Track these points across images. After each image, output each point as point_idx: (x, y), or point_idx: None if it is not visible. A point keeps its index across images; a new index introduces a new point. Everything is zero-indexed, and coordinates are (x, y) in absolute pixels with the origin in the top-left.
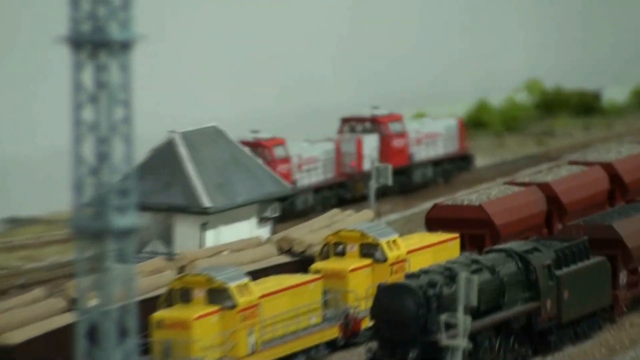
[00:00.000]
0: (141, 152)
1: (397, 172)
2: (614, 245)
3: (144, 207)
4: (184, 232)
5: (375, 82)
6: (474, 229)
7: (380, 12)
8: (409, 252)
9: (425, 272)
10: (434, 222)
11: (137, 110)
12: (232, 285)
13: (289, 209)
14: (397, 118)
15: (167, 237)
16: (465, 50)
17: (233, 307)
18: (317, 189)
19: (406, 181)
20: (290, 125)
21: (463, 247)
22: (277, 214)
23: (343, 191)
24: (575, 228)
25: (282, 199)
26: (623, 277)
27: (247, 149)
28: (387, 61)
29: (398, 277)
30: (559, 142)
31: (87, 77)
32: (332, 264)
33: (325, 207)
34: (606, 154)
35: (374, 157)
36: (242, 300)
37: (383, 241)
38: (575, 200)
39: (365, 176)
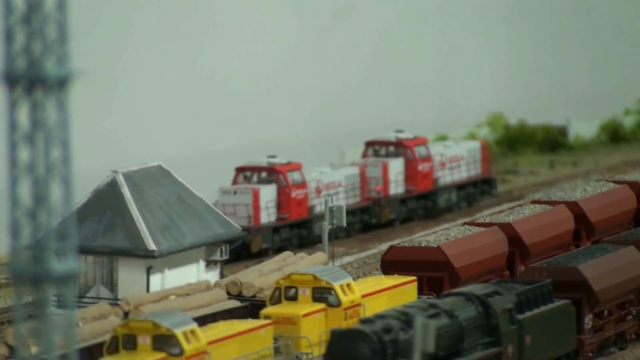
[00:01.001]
0: (82, 193)
1: (422, 197)
2: (579, 287)
3: (86, 251)
4: (129, 276)
5: (325, 115)
6: (432, 272)
7: (333, 43)
8: (364, 296)
9: (380, 317)
10: (390, 264)
11: (78, 148)
12: (178, 331)
13: (306, 235)
14: (422, 142)
15: (111, 282)
16: (427, 83)
17: (180, 354)
18: None
19: (431, 206)
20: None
21: (421, 291)
22: (226, 257)
23: (367, 216)
24: (538, 270)
25: (231, 242)
26: (588, 321)
27: (192, 191)
28: (341, 94)
29: (352, 323)
30: (523, 180)
31: (23, 115)
32: (283, 309)
33: (348, 232)
34: (572, 193)
35: (399, 181)
36: (189, 347)
37: (337, 285)
38: (538, 241)
39: (392, 201)
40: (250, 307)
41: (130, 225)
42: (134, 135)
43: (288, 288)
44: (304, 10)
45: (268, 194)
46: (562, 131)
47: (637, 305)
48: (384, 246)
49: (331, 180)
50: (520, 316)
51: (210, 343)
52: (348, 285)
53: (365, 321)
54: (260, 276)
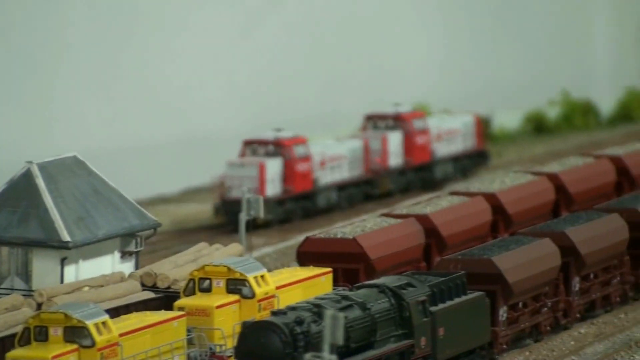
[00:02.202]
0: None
1: (420, 169)
2: (494, 280)
3: (0, 242)
4: (43, 267)
5: (255, 105)
6: (348, 263)
7: (263, 33)
8: (278, 287)
9: (292, 308)
10: (307, 255)
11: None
12: (90, 322)
13: (310, 207)
14: (420, 115)
15: (25, 273)
16: (353, 73)
17: (91, 345)
18: (341, 186)
19: (429, 177)
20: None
21: (336, 282)
22: (141, 248)
23: (369, 188)
24: (453, 262)
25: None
26: (503, 313)
27: (107, 182)
28: (272, 84)
29: (266, 314)
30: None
31: None
32: (197, 301)
33: (351, 203)
34: (490, 184)
35: (398, 153)
36: (100, 338)
37: (251, 276)
38: (455, 233)
39: (391, 173)
40: (165, 299)
41: (45, 216)
42: (54, 126)
43: (202, 279)
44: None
45: (274, 166)
46: (487, 122)
47: (552, 297)
48: (304, 237)
49: (335, 153)
50: (433, 308)
51: (122, 335)
52: (262, 276)
53: (276, 313)
54: (174, 267)
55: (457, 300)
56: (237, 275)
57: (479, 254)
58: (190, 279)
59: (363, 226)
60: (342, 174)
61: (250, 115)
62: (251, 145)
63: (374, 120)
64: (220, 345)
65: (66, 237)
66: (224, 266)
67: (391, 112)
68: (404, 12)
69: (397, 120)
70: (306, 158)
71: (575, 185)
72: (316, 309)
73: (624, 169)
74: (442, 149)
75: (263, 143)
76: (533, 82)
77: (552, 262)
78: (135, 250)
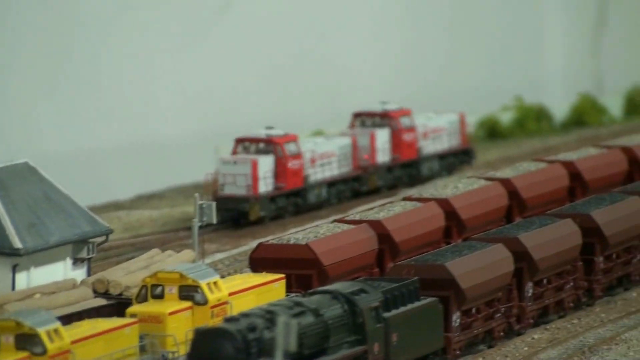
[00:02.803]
0: None
1: (407, 165)
2: (447, 285)
3: None
4: None
5: (201, 112)
6: (301, 269)
7: (212, 40)
8: (231, 294)
9: (245, 315)
10: (260, 262)
11: None
12: (41, 330)
13: (301, 203)
14: (406, 113)
15: None
16: (310, 77)
17: (43, 353)
18: (331, 183)
19: (415, 174)
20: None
21: (290, 288)
22: (93, 255)
23: (358, 184)
24: (406, 268)
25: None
26: (456, 318)
27: (59, 188)
28: (220, 90)
29: (219, 321)
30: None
31: None
32: (149, 307)
33: (340, 199)
34: (443, 190)
35: (385, 150)
36: (52, 346)
37: (203, 283)
38: (408, 239)
39: (379, 169)
40: (117, 306)
41: None
42: (4, 131)
43: (155, 286)
44: (186, 6)
45: (266, 164)
46: None
47: (505, 303)
48: (257, 243)
49: (325, 151)
50: (386, 314)
51: (74, 342)
52: (215, 283)
53: (229, 320)
54: (127, 274)
55: (410, 306)
56: (190, 282)
57: (432, 260)
58: (143, 286)
59: (316, 232)
60: (332, 171)
61: (204, 122)
62: (243, 143)
63: (361, 118)
64: (173, 352)
65: (17, 243)
66: (177, 273)
67: (379, 110)
68: (360, 19)
69: (385, 118)
70: (297, 155)
71: (528, 190)
72: (269, 316)
73: (577, 174)
74: (429, 147)
75: (255, 141)
76: (486, 88)
77: (505, 268)
78: (87, 257)
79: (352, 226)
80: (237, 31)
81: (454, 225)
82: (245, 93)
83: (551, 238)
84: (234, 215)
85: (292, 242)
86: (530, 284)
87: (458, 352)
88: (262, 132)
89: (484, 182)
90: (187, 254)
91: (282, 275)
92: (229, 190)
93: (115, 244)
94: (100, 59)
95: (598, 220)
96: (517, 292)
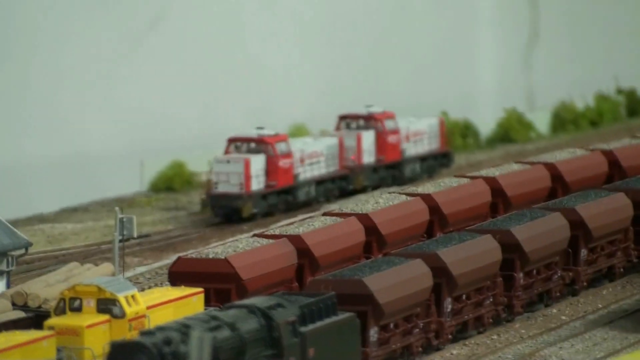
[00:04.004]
0: None
1: (391, 167)
2: (364, 300)
3: None
4: None
5: (136, 125)
6: (220, 283)
7: (145, 52)
8: (149, 307)
9: (161, 329)
10: (179, 276)
11: None
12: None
13: (292, 201)
14: (390, 116)
15: None
16: (234, 93)
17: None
18: (320, 182)
19: (399, 175)
20: None
21: (208, 302)
22: (12, 267)
23: (345, 183)
24: (324, 283)
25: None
26: (374, 333)
27: None
28: (150, 104)
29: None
30: None
31: None
32: (67, 320)
33: (328, 198)
34: (363, 205)
35: (371, 151)
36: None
37: (121, 296)
38: (328, 253)
39: (365, 169)
40: (35, 318)
41: None
42: None
43: (73, 299)
44: (117, 19)
45: (258, 163)
46: None
47: (423, 318)
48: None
49: (313, 150)
50: (303, 329)
51: None
52: (133, 296)
53: (145, 333)
54: (46, 287)
55: (327, 320)
56: (108, 295)
57: (349, 275)
58: (61, 299)
59: (235, 246)
60: (320, 170)
61: (130, 136)
62: (234, 143)
63: (347, 120)
64: None
65: None
66: (95, 286)
67: (364, 113)
68: (289, 32)
69: (370, 120)
70: (288, 155)
71: (449, 206)
72: (185, 329)
73: (499, 190)
74: (411, 149)
75: (247, 140)
76: (414, 103)
77: (424, 283)
78: (6, 269)
79: (271, 241)
80: (167, 45)
81: (374, 241)
82: (174, 107)
83: (471, 254)
84: (227, 212)
85: (211, 256)
86: (449, 300)
87: None
88: (253, 132)
89: (405, 197)
90: (107, 267)
91: (201, 289)
92: (222, 188)
93: (38, 256)
94: (27, 72)
95: (518, 236)
96: (436, 308)
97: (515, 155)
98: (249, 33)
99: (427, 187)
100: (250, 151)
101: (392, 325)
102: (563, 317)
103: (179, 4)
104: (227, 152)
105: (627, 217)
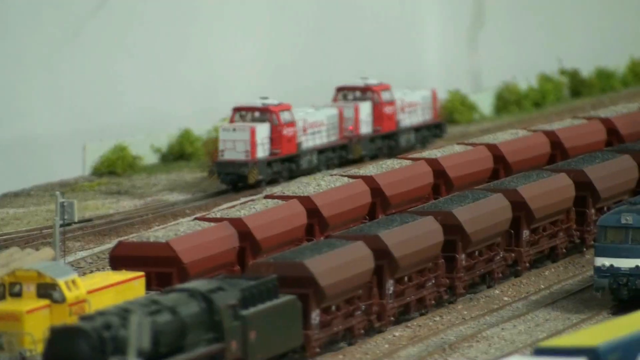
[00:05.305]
0: None
1: (387, 137)
2: (306, 283)
3: None
4: None
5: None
6: (161, 267)
7: (92, 37)
8: (90, 292)
9: (101, 313)
10: (120, 260)
11: None
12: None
13: (295, 169)
14: (386, 87)
15: None
16: (184, 76)
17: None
18: (321, 151)
19: (394, 145)
20: None
21: (150, 286)
22: None
23: (344, 152)
24: (265, 266)
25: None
26: (315, 316)
27: None
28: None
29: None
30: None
31: None
32: (7, 305)
33: (329, 166)
34: (305, 187)
35: (368, 122)
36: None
37: (61, 281)
38: (269, 236)
39: (363, 139)
40: None
41: None
42: None
43: (12, 284)
44: (61, 2)
45: (263, 131)
46: None
47: (365, 300)
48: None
49: (315, 120)
50: (244, 312)
51: None
52: (73, 281)
53: (85, 318)
54: None
55: (268, 303)
56: (48, 280)
57: (291, 258)
58: (1, 284)
59: (176, 230)
60: (322, 139)
61: (72, 120)
62: (240, 112)
63: (344, 92)
64: (31, 350)
65: None
66: (34, 271)
67: (360, 84)
68: (235, 13)
69: (366, 92)
70: (291, 124)
71: (391, 188)
72: (125, 314)
73: (441, 171)
74: (405, 120)
75: (251, 109)
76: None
77: (366, 265)
78: None
79: (213, 224)
80: (111, 30)
81: (316, 223)
82: (116, 91)
83: (412, 235)
84: (233, 178)
85: (152, 240)
86: (391, 282)
87: (318, 350)
88: (258, 102)
89: (347, 179)
90: (47, 252)
91: (142, 274)
92: (228, 156)
93: None
94: None
95: (460, 217)
96: (378, 290)
97: (458, 136)
98: (192, 16)
99: (369, 169)
100: (254, 120)
101: (334, 308)
102: (505, 298)
103: None
104: (232, 120)
105: (569, 197)
